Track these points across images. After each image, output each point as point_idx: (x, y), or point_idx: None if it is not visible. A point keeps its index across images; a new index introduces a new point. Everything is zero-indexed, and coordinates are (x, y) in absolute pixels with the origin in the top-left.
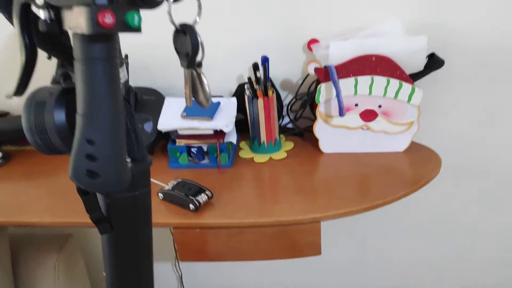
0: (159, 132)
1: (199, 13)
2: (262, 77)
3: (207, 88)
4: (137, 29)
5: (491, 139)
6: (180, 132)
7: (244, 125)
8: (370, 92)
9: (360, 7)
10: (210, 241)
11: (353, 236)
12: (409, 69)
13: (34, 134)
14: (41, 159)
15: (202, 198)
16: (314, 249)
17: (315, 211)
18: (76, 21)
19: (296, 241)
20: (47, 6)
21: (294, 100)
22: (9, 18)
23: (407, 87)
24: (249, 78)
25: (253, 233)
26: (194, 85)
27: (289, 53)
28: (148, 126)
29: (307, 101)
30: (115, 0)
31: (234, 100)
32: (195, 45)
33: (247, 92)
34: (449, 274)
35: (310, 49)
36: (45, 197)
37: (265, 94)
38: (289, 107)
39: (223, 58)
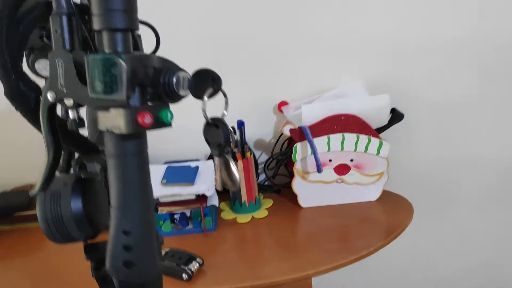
0: None
1: (226, 108)
2: (239, 139)
3: (235, 173)
4: (170, 125)
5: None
6: (161, 200)
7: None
8: (342, 148)
9: (323, 70)
10: None
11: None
12: (375, 125)
13: (51, 225)
14: (14, 240)
15: (194, 266)
16: None
17: (306, 267)
18: (114, 121)
19: None
20: (76, 106)
21: (271, 159)
22: (33, 121)
23: (375, 141)
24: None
25: None
26: (226, 170)
27: (260, 115)
28: None
29: (282, 160)
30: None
31: (211, 163)
32: (227, 137)
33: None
34: None
35: (281, 111)
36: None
37: (243, 156)
38: (266, 166)
39: (198, 122)
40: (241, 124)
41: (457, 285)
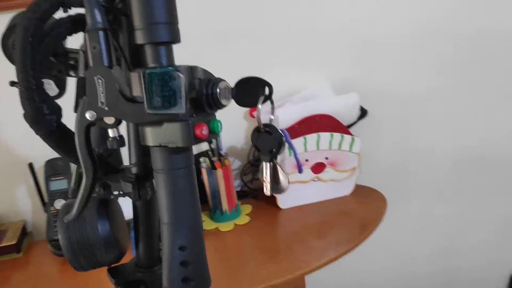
0: None
1: (273, 113)
2: (215, 148)
3: (282, 177)
4: (219, 135)
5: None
6: None
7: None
8: (318, 147)
9: (290, 74)
10: None
11: None
12: (345, 122)
13: (77, 252)
14: None
15: None
16: None
17: (300, 266)
18: (169, 136)
19: None
20: (117, 124)
21: (247, 165)
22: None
23: (347, 138)
24: (207, 151)
25: None
26: (274, 175)
27: (232, 122)
28: None
29: (258, 165)
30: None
31: None
32: (280, 142)
33: (204, 165)
34: None
35: (252, 116)
36: None
37: (222, 164)
38: (243, 172)
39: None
40: None
41: (423, 268)
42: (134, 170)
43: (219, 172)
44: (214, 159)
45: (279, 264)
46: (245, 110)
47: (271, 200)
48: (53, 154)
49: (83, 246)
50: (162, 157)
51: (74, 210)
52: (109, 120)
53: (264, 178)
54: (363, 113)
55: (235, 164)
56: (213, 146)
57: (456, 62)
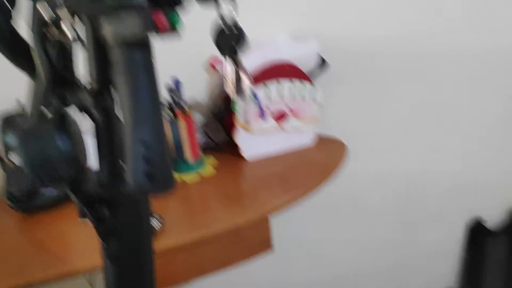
0: None
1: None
2: (177, 98)
3: (244, 77)
4: (179, 33)
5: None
6: None
7: None
8: (280, 95)
9: (249, 24)
10: (171, 265)
11: None
12: (305, 70)
13: (37, 168)
14: None
15: (154, 223)
16: (266, 245)
17: (264, 208)
18: (127, 27)
19: (250, 242)
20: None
21: (211, 118)
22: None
23: (308, 86)
24: (167, 101)
25: (211, 245)
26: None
27: (191, 74)
28: None
29: (223, 115)
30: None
31: None
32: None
33: (166, 116)
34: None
35: (214, 68)
36: None
37: (184, 114)
38: (206, 122)
39: None
40: (177, 82)
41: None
42: (91, 81)
43: (182, 122)
44: (176, 109)
45: (243, 208)
46: (201, 63)
47: (235, 153)
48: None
49: (42, 161)
50: (121, 55)
51: (31, 121)
52: (64, 14)
53: (228, 80)
54: (323, 63)
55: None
56: (174, 97)
57: (417, 11)
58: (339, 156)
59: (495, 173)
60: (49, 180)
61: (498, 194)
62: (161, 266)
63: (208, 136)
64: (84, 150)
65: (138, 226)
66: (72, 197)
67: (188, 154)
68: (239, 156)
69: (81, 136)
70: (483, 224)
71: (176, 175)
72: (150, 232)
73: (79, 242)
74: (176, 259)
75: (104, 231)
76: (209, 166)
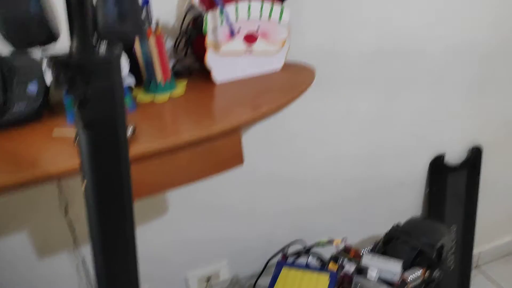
0: (47, 91)
1: None
2: (146, 15)
3: None
4: None
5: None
6: None
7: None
8: (249, 16)
9: None
10: (145, 173)
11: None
12: None
13: (11, 28)
14: None
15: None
16: (237, 159)
17: (233, 119)
18: None
19: (222, 156)
20: None
21: (179, 38)
22: None
23: (277, 7)
24: None
25: (183, 155)
26: None
27: None
28: (32, 87)
29: (193, 36)
30: None
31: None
32: None
33: None
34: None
35: None
36: None
37: (154, 32)
38: (176, 46)
39: None
40: (146, 1)
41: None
42: None
43: (151, 40)
44: (145, 27)
45: (214, 120)
46: None
47: (206, 77)
48: None
49: (16, 21)
50: None
51: None
52: None
53: None
54: None
55: (167, 43)
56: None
57: None
58: (309, 76)
59: (457, 114)
60: (21, 40)
61: (460, 132)
62: (135, 174)
63: (179, 60)
64: (54, 18)
65: (110, 93)
66: (48, 63)
67: (158, 74)
68: (209, 80)
69: (52, 5)
70: (445, 160)
71: (147, 95)
72: (123, 103)
73: (51, 151)
74: (149, 167)
75: (78, 98)
76: (180, 86)
